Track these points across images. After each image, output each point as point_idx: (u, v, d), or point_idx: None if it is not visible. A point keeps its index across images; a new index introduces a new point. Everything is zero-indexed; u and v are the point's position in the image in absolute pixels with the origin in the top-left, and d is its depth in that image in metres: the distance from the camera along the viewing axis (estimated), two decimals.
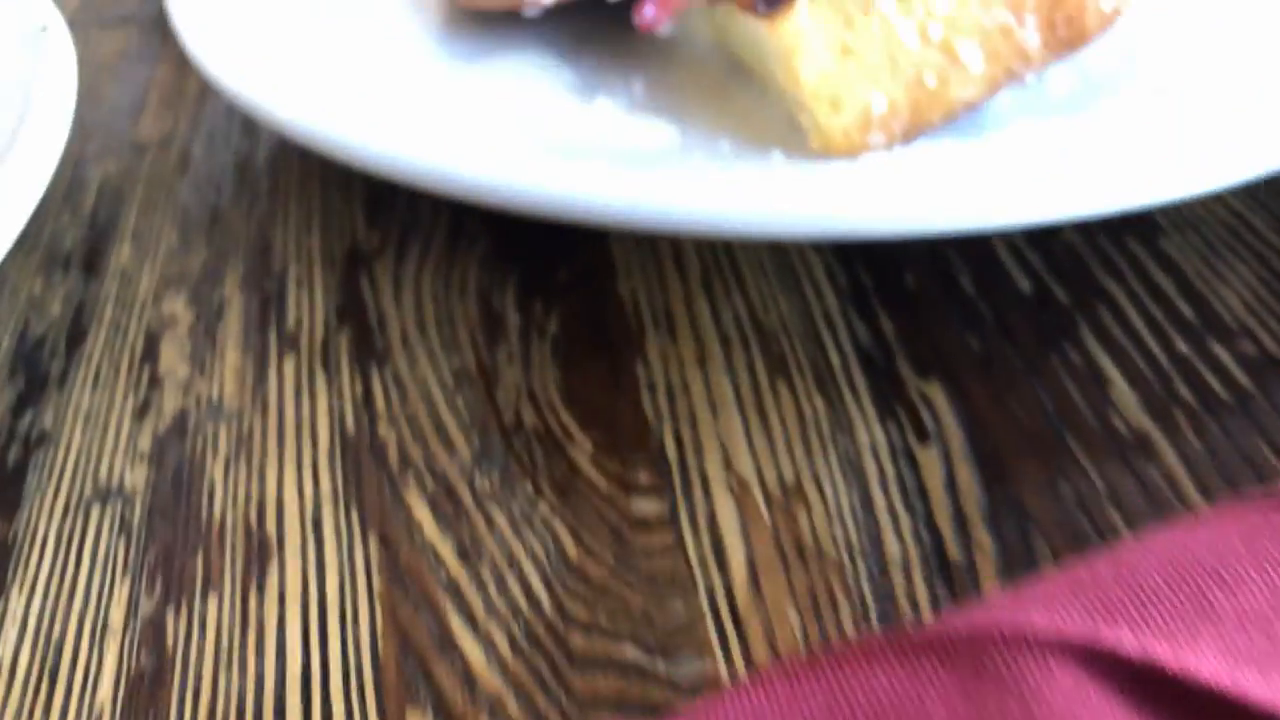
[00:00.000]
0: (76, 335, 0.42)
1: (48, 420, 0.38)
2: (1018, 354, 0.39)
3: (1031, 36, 0.43)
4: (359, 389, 0.39)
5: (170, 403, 0.39)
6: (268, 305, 0.43)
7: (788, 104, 0.45)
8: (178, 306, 0.43)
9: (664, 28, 0.48)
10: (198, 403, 0.39)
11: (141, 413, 0.39)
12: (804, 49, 0.42)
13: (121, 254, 0.46)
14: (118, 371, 0.40)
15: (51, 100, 0.39)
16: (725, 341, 0.40)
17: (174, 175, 0.51)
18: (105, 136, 0.54)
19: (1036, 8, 0.43)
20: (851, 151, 0.43)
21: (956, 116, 0.44)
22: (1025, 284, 0.42)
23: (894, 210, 0.36)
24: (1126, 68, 0.48)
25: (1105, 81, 0.47)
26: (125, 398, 0.39)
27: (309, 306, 0.43)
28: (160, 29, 0.63)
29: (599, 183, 0.37)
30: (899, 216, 0.36)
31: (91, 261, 0.46)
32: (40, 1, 0.46)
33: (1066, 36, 0.44)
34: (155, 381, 0.40)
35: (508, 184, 0.38)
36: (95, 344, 0.42)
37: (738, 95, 0.48)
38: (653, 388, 0.38)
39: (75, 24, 0.63)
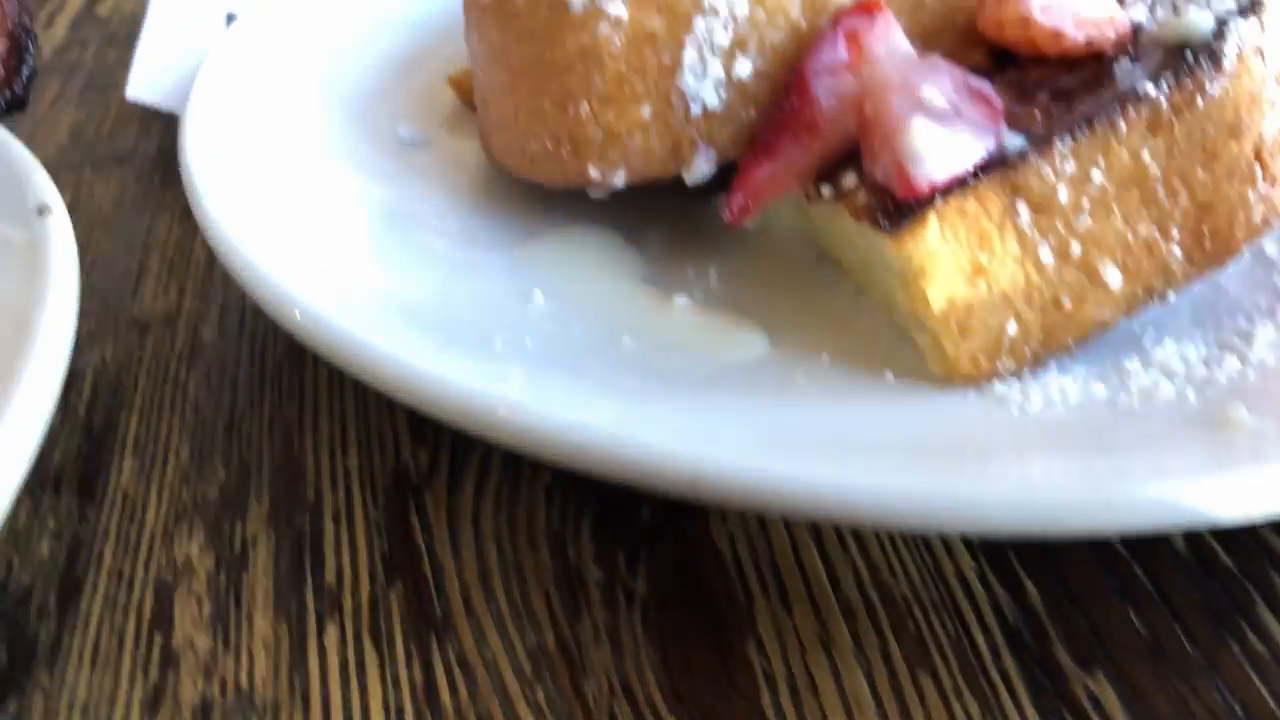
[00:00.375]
0: (70, 587, 0.35)
1: (36, 716, 0.32)
2: (1190, 639, 0.33)
3: (1175, 251, 0.39)
4: (418, 674, 0.32)
5: (188, 689, 0.32)
6: (301, 548, 0.36)
7: (901, 319, 0.39)
8: (193, 548, 0.37)
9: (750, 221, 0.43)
10: (223, 689, 0.32)
11: (153, 705, 0.32)
12: (934, 271, 0.36)
13: (123, 471, 0.40)
14: (121, 642, 0.34)
15: (52, 322, 0.33)
16: (849, 614, 0.34)
17: (181, 364, 0.45)
18: (102, 311, 0.47)
19: (1183, 220, 0.38)
20: (978, 378, 0.38)
21: (1090, 338, 0.39)
22: (1180, 543, 0.36)
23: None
24: None
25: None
26: (132, 682, 0.32)
27: (350, 551, 0.36)
28: (160, 169, 0.57)
29: (725, 465, 0.31)
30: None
31: (87, 482, 0.39)
32: (40, 178, 0.40)
33: (1213, 250, 0.39)
34: (169, 658, 0.33)
35: (607, 455, 0.32)
36: (93, 601, 0.35)
37: (830, 294, 0.43)
38: (772, 681, 0.32)
39: (66, 165, 0.57)
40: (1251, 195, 0.39)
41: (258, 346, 0.45)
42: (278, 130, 0.49)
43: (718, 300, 0.43)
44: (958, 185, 0.36)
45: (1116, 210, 0.37)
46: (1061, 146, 0.36)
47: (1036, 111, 0.39)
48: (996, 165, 0.36)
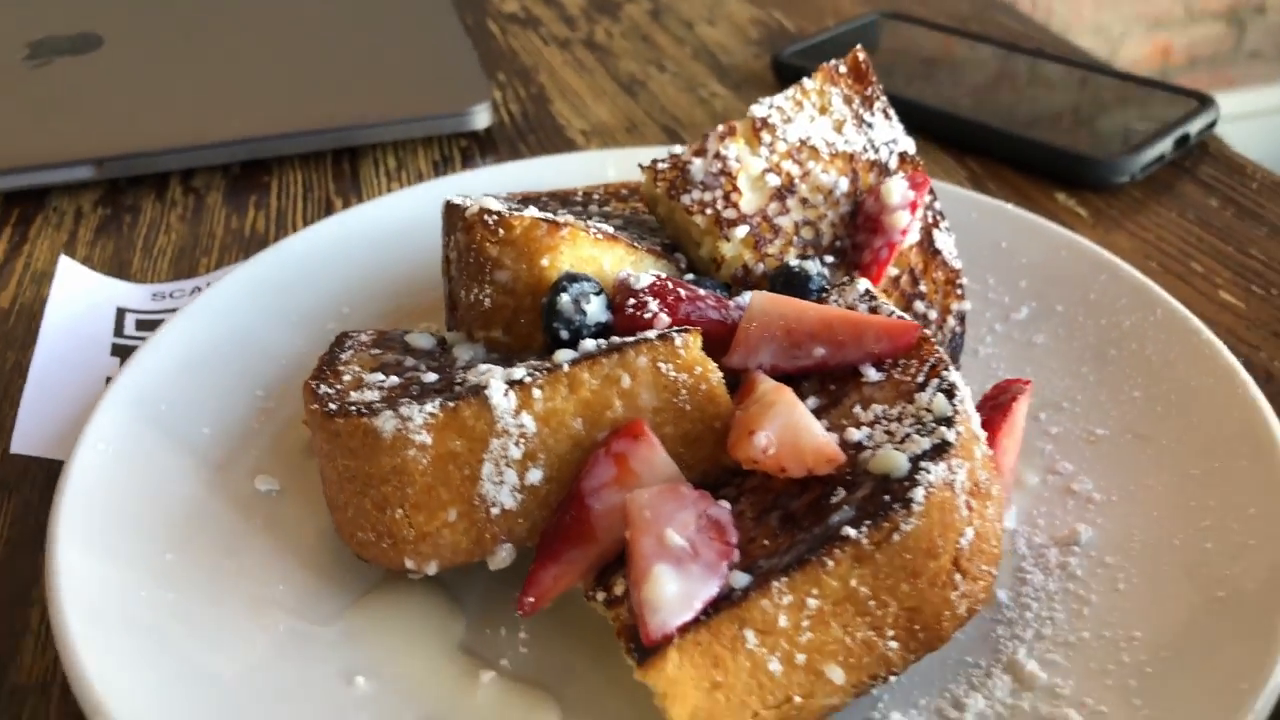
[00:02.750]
0: None
1: None
2: None
3: (892, 644, 0.46)
4: None
5: None
6: None
7: None
8: None
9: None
10: None
11: None
12: (675, 693, 0.43)
13: None
14: None
15: None
16: None
17: None
18: None
19: (895, 622, 0.45)
20: None
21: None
22: None
23: None
24: None
25: None
26: None
27: None
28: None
29: None
30: None
31: None
32: None
33: (926, 639, 0.46)
34: None
35: None
36: None
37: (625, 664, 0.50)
38: None
39: None
40: (954, 595, 0.46)
41: None
42: (143, 503, 0.55)
43: (524, 668, 0.50)
44: (693, 624, 0.43)
45: (834, 623, 0.44)
46: (779, 584, 0.43)
47: (766, 541, 0.46)
48: (725, 602, 0.44)
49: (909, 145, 0.66)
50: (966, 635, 0.49)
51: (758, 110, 0.64)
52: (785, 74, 1.06)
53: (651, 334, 0.51)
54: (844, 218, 0.63)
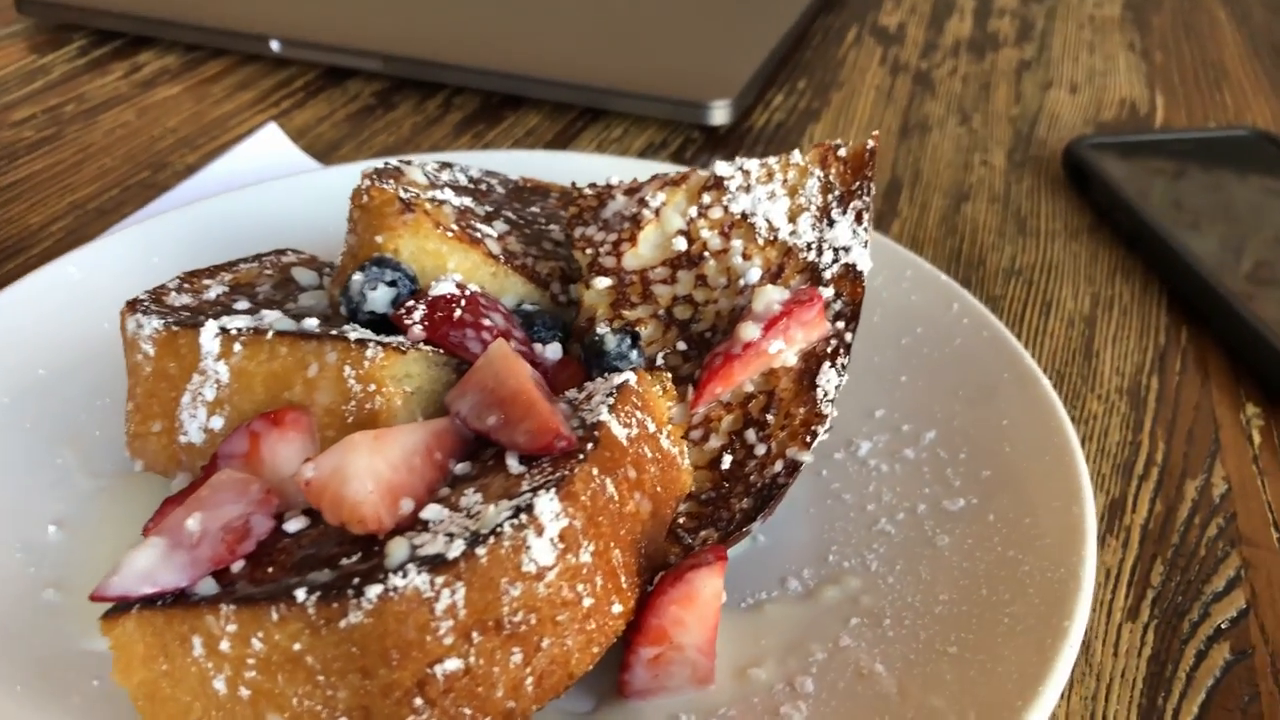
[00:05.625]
0: None
1: None
2: None
3: None
4: None
5: None
6: None
7: None
8: None
9: None
10: None
11: None
12: (125, 656, 0.44)
13: None
14: None
15: None
16: None
17: None
18: None
19: (347, 712, 0.42)
20: None
21: None
22: None
23: None
24: None
25: None
26: None
27: None
28: None
29: None
30: None
31: None
32: None
33: None
34: None
35: None
36: None
37: None
38: None
39: None
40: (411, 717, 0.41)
41: None
42: None
43: None
44: (150, 601, 0.43)
45: (280, 676, 0.42)
46: (226, 609, 0.42)
47: (271, 568, 0.44)
48: (183, 600, 0.43)
49: (862, 262, 0.55)
50: None
51: (720, 169, 0.57)
52: (1070, 164, 0.90)
53: (353, 336, 0.50)
54: (735, 310, 0.55)
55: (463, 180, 0.63)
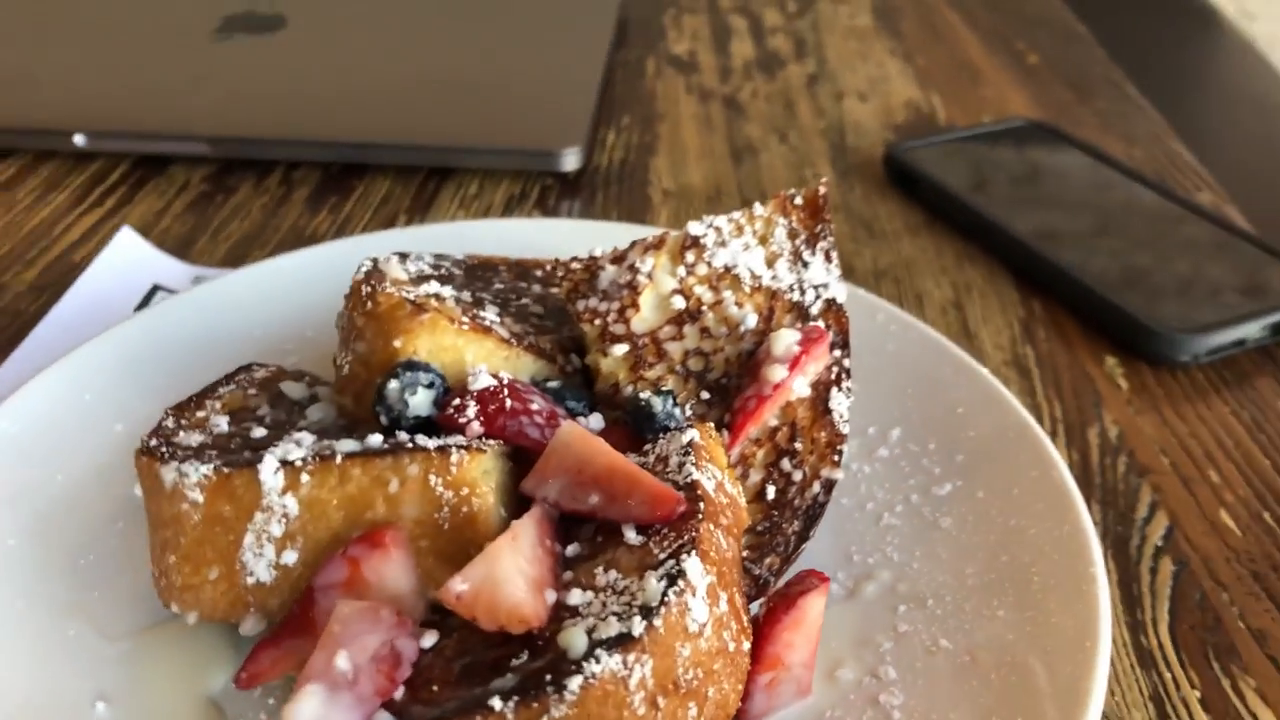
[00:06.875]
0: None
1: None
2: None
3: None
4: None
5: None
6: None
7: None
8: None
9: None
10: None
11: None
12: None
13: None
14: None
15: None
16: None
17: None
18: None
19: None
20: None
21: None
22: None
23: None
24: None
25: None
26: None
27: None
28: None
29: None
30: None
31: None
32: None
33: None
34: None
35: None
36: None
37: None
38: None
39: None
40: None
41: None
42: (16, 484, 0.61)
43: None
44: None
45: None
46: None
47: (437, 687, 0.45)
48: None
49: (839, 293, 0.62)
50: None
51: (694, 228, 0.62)
52: (893, 169, 1.01)
53: (432, 444, 0.51)
54: (741, 355, 0.60)
55: (428, 267, 0.64)
